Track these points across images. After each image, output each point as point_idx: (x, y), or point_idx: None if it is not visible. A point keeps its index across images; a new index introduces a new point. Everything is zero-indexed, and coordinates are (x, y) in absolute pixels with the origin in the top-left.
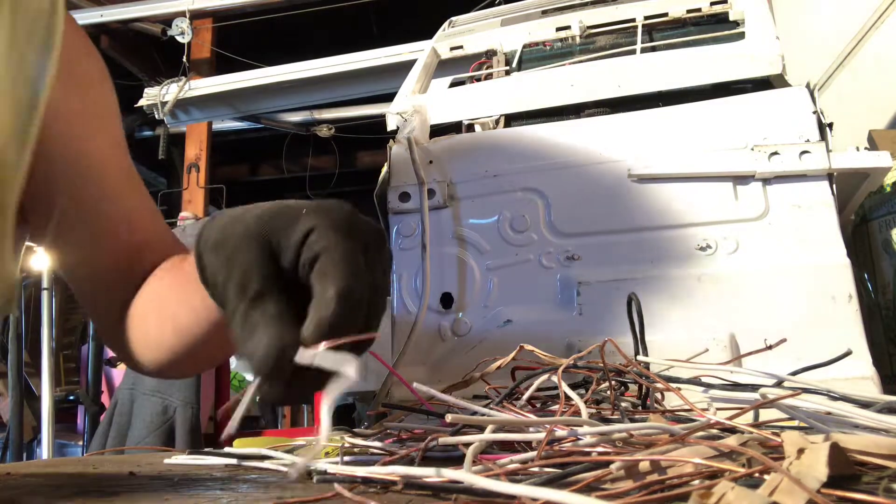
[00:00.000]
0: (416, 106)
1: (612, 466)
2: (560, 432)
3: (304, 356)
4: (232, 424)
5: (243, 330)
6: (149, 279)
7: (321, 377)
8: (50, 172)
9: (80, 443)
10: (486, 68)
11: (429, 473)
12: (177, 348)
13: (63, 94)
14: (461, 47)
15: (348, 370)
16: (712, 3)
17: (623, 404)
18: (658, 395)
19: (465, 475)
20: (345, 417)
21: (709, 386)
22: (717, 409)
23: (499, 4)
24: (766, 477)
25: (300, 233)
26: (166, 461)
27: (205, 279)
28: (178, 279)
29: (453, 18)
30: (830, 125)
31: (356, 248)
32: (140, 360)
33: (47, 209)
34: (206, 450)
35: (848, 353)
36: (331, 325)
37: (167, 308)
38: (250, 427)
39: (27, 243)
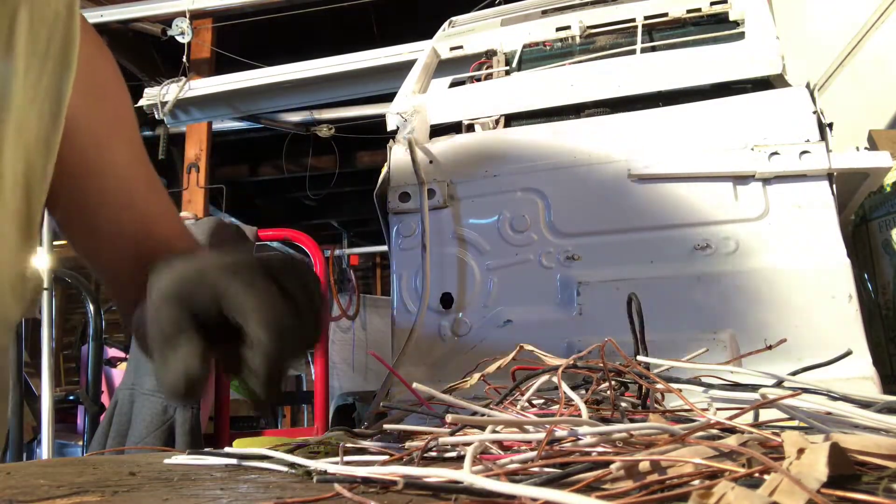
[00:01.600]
0: (416, 106)
1: (612, 467)
2: (560, 432)
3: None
4: None
5: (160, 366)
6: None
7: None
8: (71, 180)
9: (80, 443)
10: (486, 68)
11: (429, 473)
12: None
13: (83, 100)
14: (461, 47)
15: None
16: (712, 3)
17: (623, 404)
18: (658, 396)
19: (465, 475)
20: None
21: (709, 386)
22: (717, 409)
23: (499, 4)
24: (766, 477)
25: (212, 295)
26: (166, 461)
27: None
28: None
29: (453, 18)
30: (830, 125)
31: (263, 287)
32: None
33: (72, 215)
34: (207, 450)
35: (848, 353)
36: (266, 353)
37: None
38: (250, 427)
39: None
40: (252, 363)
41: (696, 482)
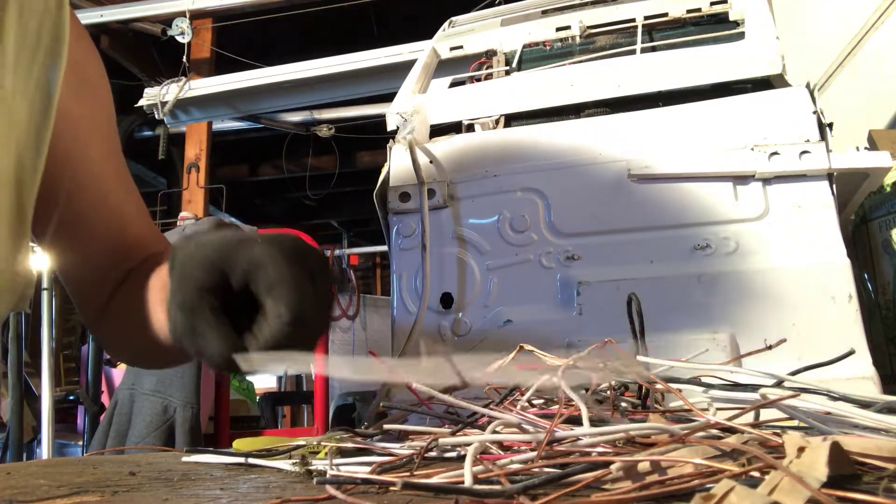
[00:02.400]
0: (416, 106)
1: (612, 467)
2: (560, 433)
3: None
4: None
5: (193, 336)
6: (133, 275)
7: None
8: (55, 175)
9: (80, 443)
10: (486, 68)
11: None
12: (148, 348)
13: (71, 96)
14: (461, 47)
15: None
16: (712, 3)
17: (623, 404)
18: (658, 396)
19: (465, 475)
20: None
21: (709, 386)
22: (717, 409)
23: (499, 4)
24: (766, 477)
25: (247, 261)
26: (184, 458)
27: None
28: (156, 284)
29: (453, 18)
30: (830, 125)
31: (303, 274)
32: (114, 352)
33: (48, 210)
34: (223, 450)
35: (851, 353)
36: (280, 335)
37: (145, 305)
38: (250, 427)
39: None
40: (261, 333)
41: (696, 482)
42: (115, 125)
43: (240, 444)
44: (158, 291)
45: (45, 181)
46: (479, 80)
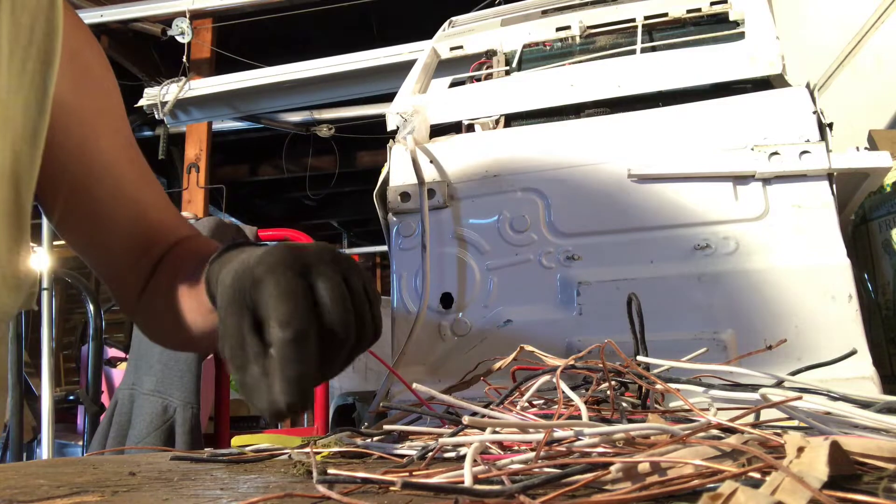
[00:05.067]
0: (416, 106)
1: (612, 468)
2: (560, 433)
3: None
4: None
5: (241, 384)
6: (163, 268)
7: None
8: (71, 170)
9: (80, 443)
10: (486, 68)
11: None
12: (189, 336)
13: (72, 90)
14: (461, 47)
15: None
16: (712, 3)
17: (623, 405)
18: (658, 396)
19: (465, 475)
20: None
21: (709, 386)
22: (718, 409)
23: (499, 4)
24: (766, 478)
25: (253, 289)
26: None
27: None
28: (189, 289)
29: (453, 18)
30: (830, 125)
31: (294, 279)
32: (157, 339)
33: (68, 205)
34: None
35: (853, 353)
36: (281, 365)
37: (180, 308)
38: (250, 427)
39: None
40: (272, 365)
41: (696, 482)
42: (124, 115)
43: (238, 440)
44: (190, 300)
45: (61, 176)
46: (479, 80)
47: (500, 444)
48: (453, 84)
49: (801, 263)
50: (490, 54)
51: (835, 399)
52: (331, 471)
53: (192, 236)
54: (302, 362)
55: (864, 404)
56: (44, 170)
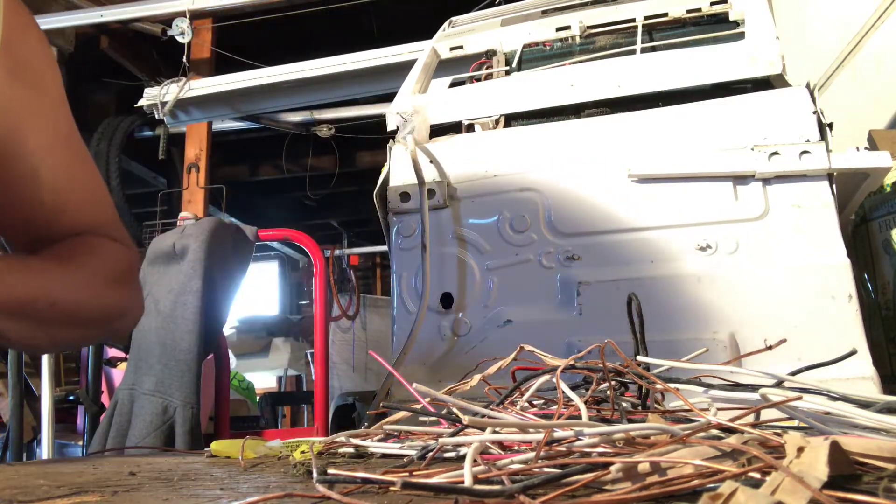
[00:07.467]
0: (416, 106)
1: (612, 468)
2: (560, 433)
3: None
4: None
5: None
6: (77, 258)
7: None
8: None
9: (80, 443)
10: (486, 68)
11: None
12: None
13: (7, 81)
14: (461, 47)
15: None
16: (712, 3)
17: (623, 404)
18: (658, 396)
19: (465, 475)
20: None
21: (709, 386)
22: (718, 409)
23: (499, 4)
24: (766, 478)
25: None
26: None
27: None
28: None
29: (453, 18)
30: (830, 125)
31: None
32: None
33: None
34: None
35: (853, 353)
36: None
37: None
38: (250, 427)
39: None
40: None
41: (696, 482)
42: (64, 111)
43: (217, 445)
44: None
45: None
46: (479, 80)
47: (500, 444)
48: (453, 84)
49: (800, 263)
50: (490, 54)
51: (835, 399)
52: (331, 471)
53: (97, 239)
54: None
55: (864, 404)
56: None
